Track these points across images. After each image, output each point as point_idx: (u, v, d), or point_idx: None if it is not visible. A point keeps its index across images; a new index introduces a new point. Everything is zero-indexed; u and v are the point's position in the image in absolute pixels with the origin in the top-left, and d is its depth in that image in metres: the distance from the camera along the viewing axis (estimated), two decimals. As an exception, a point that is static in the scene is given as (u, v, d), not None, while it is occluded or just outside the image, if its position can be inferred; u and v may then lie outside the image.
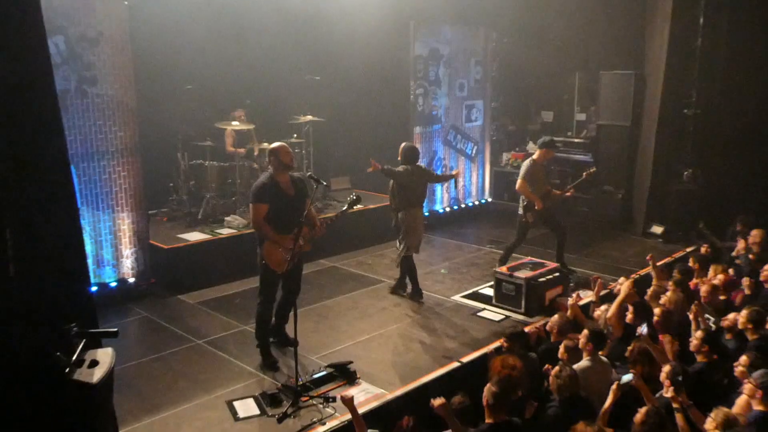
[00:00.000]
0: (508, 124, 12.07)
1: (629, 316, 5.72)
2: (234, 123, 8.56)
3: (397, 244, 7.08)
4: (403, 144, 7.12)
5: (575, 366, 4.79)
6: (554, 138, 8.60)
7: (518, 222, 7.84)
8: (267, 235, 5.29)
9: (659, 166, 9.75)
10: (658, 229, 9.66)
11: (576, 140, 11.05)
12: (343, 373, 5.34)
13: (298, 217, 5.12)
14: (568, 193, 8.08)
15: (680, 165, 9.72)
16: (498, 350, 5.52)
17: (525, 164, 7.71)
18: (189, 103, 8.60)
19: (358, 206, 5.53)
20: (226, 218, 8.28)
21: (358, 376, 5.33)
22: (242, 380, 5.35)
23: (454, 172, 8.21)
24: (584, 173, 7.99)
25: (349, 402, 4.29)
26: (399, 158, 7.03)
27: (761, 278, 6.41)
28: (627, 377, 4.65)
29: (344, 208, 5.42)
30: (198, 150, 8.63)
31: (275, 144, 5.50)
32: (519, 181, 7.66)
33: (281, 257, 5.30)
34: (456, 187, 10.42)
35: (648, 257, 7.22)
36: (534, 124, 12.03)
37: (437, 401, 4.12)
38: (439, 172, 10.26)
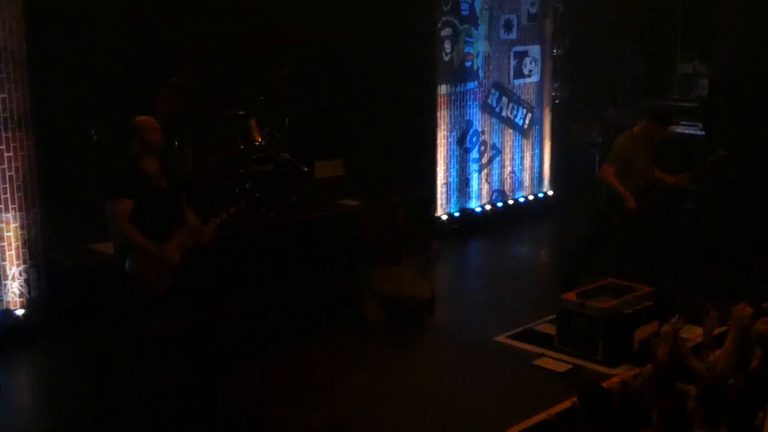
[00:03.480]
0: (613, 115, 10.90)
1: (754, 362, 5.31)
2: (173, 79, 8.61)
3: None
4: None
5: None
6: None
7: (594, 222, 7.56)
8: (134, 242, 5.50)
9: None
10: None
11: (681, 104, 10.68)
12: None
13: (175, 218, 5.54)
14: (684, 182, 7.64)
15: None
16: (567, 414, 5.33)
17: (618, 141, 7.38)
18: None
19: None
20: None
21: None
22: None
23: None
24: (712, 160, 7.66)
25: None
26: None
27: None
28: None
29: None
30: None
31: (138, 118, 5.71)
32: (605, 165, 7.40)
33: (155, 273, 5.49)
34: None
35: None
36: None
37: None
38: (475, 152, 10.08)
